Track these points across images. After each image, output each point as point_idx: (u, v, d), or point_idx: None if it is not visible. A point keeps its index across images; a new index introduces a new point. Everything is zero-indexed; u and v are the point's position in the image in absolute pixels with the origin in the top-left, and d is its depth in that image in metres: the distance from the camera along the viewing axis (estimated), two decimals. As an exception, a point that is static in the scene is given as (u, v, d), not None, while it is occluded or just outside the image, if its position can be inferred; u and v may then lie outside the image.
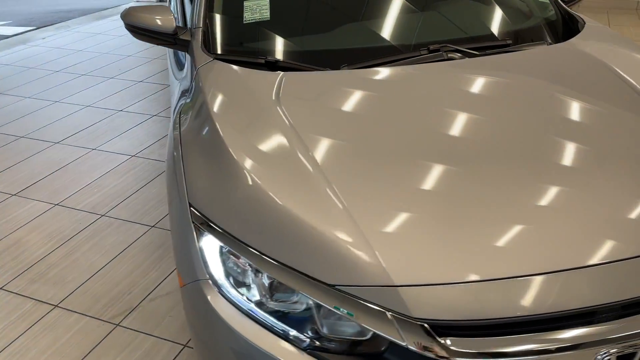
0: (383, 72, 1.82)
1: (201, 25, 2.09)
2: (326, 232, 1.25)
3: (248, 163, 1.45)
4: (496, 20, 2.23)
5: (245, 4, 2.13)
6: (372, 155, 1.47)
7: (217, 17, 2.13)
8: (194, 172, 1.53)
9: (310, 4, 2.25)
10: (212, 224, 1.37)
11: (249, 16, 2.11)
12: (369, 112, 1.66)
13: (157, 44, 2.15)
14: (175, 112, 1.94)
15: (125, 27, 2.12)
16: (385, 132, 1.55)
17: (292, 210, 1.30)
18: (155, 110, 4.16)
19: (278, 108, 1.62)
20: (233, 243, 1.32)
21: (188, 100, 1.89)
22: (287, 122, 1.57)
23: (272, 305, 1.27)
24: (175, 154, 1.67)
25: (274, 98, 1.67)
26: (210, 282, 1.33)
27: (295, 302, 1.26)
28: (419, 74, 1.82)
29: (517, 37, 2.11)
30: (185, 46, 2.10)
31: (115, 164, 3.39)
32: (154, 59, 5.31)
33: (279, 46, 2.05)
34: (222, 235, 1.34)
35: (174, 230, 1.56)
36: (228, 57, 1.95)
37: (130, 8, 2.12)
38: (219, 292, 1.31)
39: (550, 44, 2.08)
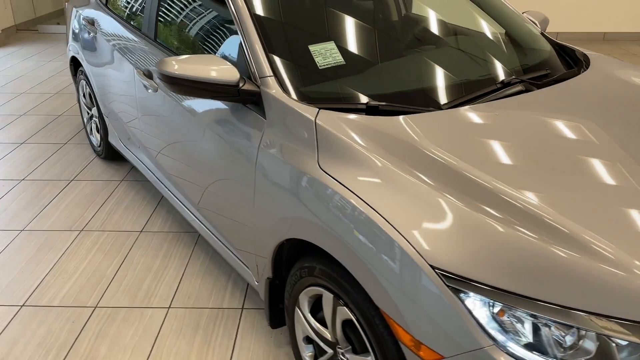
0: (495, 107, 1.85)
1: (270, 74, 1.91)
2: (605, 267, 1.26)
3: (481, 209, 1.41)
4: (531, 54, 2.37)
5: (312, 49, 2.01)
6: (566, 184, 1.50)
7: (288, 64, 1.96)
8: (429, 235, 1.38)
9: (378, 44, 2.18)
10: (475, 283, 1.28)
11: (321, 61, 1.99)
12: (522, 143, 1.67)
13: (210, 98, 1.92)
14: (284, 173, 1.75)
15: (163, 79, 1.89)
16: (550, 159, 1.60)
17: (562, 251, 1.30)
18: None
19: (439, 150, 1.58)
20: (505, 297, 1.26)
21: (304, 156, 1.70)
22: (462, 162, 1.54)
23: (569, 354, 1.23)
24: (360, 215, 1.48)
25: (427, 141, 1.61)
26: (496, 347, 1.25)
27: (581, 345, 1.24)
28: (530, 102, 1.91)
29: (551, 67, 2.24)
30: (250, 98, 1.91)
31: None
32: None
33: (369, 89, 1.93)
34: (491, 291, 1.27)
35: (393, 301, 1.41)
36: (330, 105, 1.80)
37: (169, 59, 1.89)
38: (511, 355, 1.24)
39: (580, 71, 2.22)
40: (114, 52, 2.92)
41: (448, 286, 1.29)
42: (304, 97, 1.84)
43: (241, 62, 2.01)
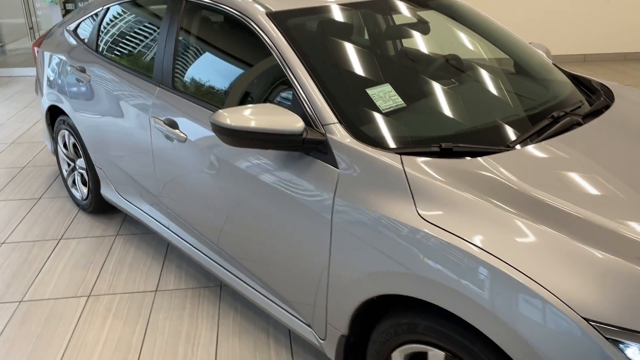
0: (563, 141, 1.87)
1: (334, 120, 1.83)
2: None
3: (612, 251, 1.38)
4: (557, 86, 2.40)
5: (370, 93, 1.95)
6: None
7: (350, 109, 1.88)
8: (570, 284, 1.33)
9: (430, 85, 2.16)
10: (634, 332, 1.25)
11: (382, 105, 1.93)
12: (614, 175, 1.69)
13: (271, 149, 1.81)
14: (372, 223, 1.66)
15: (220, 132, 1.78)
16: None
17: None
18: None
19: (544, 193, 1.57)
20: None
21: (397, 206, 1.62)
22: (578, 207, 1.53)
23: None
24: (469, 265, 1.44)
25: (524, 184, 1.60)
26: None
27: None
28: (593, 133, 1.94)
29: (580, 98, 2.30)
30: (315, 146, 1.82)
31: None
32: None
33: (434, 131, 1.89)
34: None
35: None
36: (406, 150, 1.74)
37: (225, 111, 1.79)
38: None
39: (611, 99, 2.31)
40: (117, 100, 2.73)
41: (607, 338, 1.25)
42: (375, 143, 1.78)
43: (296, 109, 1.92)
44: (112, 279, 2.86)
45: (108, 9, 3.01)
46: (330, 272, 1.82)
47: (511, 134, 1.92)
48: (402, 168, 1.65)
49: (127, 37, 2.86)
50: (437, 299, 1.51)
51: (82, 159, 3.32)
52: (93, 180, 3.25)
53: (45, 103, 3.47)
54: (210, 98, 2.30)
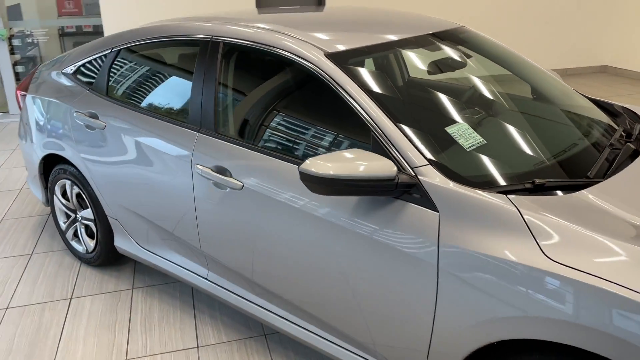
0: (635, 168, 1.94)
1: (425, 162, 1.79)
2: None
3: None
4: (593, 113, 2.48)
5: (450, 131, 1.93)
6: None
7: (436, 149, 1.86)
8: None
9: (504, 119, 2.18)
10: None
11: (464, 143, 1.91)
12: None
13: (362, 195, 1.76)
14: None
15: (311, 180, 1.72)
16: None
17: None
18: None
19: None
20: None
21: (518, 249, 1.60)
22: None
23: None
24: None
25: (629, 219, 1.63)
26: None
27: None
28: None
29: (616, 124, 2.41)
30: (406, 190, 1.79)
31: None
32: None
33: (522, 167, 1.88)
34: None
35: None
36: (506, 189, 1.74)
37: (316, 159, 1.74)
38: None
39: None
40: (142, 148, 2.56)
41: None
42: (470, 183, 1.76)
43: (376, 152, 1.88)
44: (145, 338, 2.66)
45: (118, 51, 2.85)
46: (437, 319, 1.77)
47: (589, 164, 1.96)
48: (515, 209, 1.64)
49: (148, 80, 2.71)
50: (578, 341, 1.50)
51: (88, 210, 3.09)
52: (104, 232, 3.03)
53: (39, 151, 3.22)
54: (271, 144, 2.20)
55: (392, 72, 2.19)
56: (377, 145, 1.89)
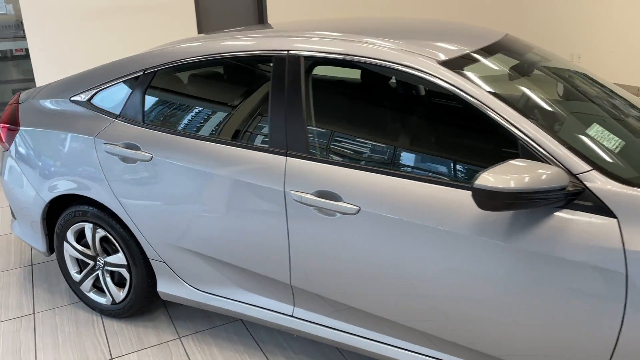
0: None
1: (589, 167, 1.72)
2: None
3: None
4: None
5: (591, 133, 1.90)
6: None
7: (594, 153, 1.81)
8: None
9: (616, 120, 2.14)
10: None
11: (609, 144, 1.86)
12: None
13: (531, 208, 1.67)
14: None
15: (482, 195, 1.64)
16: None
17: None
18: None
19: None
20: None
21: None
22: None
23: None
24: None
25: None
26: None
27: None
28: None
29: None
30: (572, 198, 1.72)
31: None
32: None
33: None
34: None
35: None
36: None
37: (488, 173, 1.65)
38: None
39: None
40: (207, 177, 2.28)
41: None
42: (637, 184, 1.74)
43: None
44: (225, 391, 2.35)
45: (154, 72, 2.52)
46: (622, 334, 1.70)
47: None
48: None
49: (202, 104, 2.43)
50: None
51: (118, 255, 2.71)
52: (141, 278, 2.66)
53: (44, 194, 2.77)
54: (393, 162, 2.04)
55: (510, 76, 2.13)
56: (528, 154, 1.81)
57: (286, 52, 2.24)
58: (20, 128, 2.87)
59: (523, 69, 2.26)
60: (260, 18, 7.54)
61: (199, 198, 2.34)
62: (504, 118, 1.84)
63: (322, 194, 2.07)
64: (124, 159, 2.50)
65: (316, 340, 2.33)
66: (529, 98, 2.01)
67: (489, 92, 1.90)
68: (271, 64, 2.27)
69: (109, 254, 2.79)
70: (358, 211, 2.01)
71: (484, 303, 1.89)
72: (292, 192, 2.12)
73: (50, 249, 3.02)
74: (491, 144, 1.94)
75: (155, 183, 2.44)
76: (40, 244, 2.99)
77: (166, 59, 2.51)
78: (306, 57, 2.20)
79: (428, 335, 2.06)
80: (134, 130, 2.52)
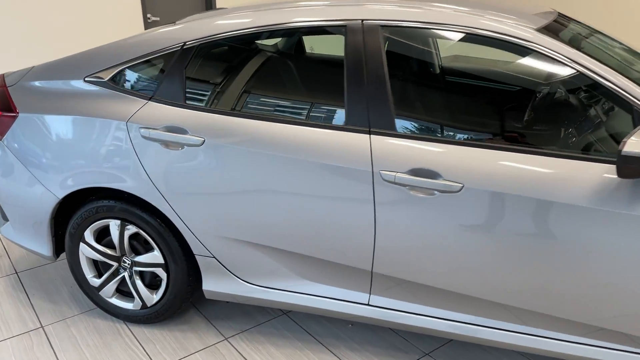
0: None
1: None
2: None
3: None
4: None
5: None
6: None
7: None
8: None
9: None
10: None
11: None
12: None
13: None
14: None
15: (631, 162, 1.62)
16: None
17: None
18: None
19: None
20: None
21: None
22: None
23: None
24: None
25: None
26: None
27: None
28: None
29: None
30: None
31: None
32: None
33: None
34: None
35: None
36: None
37: (633, 138, 1.62)
38: None
39: None
40: (273, 160, 2.07)
41: None
42: None
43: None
44: (301, 391, 2.17)
45: (197, 47, 2.24)
46: None
47: None
48: None
49: (259, 80, 2.19)
50: None
51: (152, 253, 2.41)
52: (181, 276, 2.39)
53: (56, 189, 2.40)
54: (500, 135, 1.94)
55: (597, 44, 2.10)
56: None
57: (360, 22, 2.08)
58: (19, 114, 2.48)
59: (597, 40, 2.26)
60: (208, 4, 7.16)
61: (263, 184, 2.13)
62: (617, 87, 1.81)
63: (417, 172, 1.95)
64: (167, 145, 2.22)
65: (392, 327, 2.21)
66: (626, 66, 2.01)
67: (597, 60, 1.86)
68: (343, 35, 2.10)
69: (137, 253, 2.49)
70: (461, 188, 1.91)
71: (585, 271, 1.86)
72: (383, 172, 1.98)
73: (57, 252, 2.65)
74: (599, 113, 1.91)
75: (208, 170, 2.18)
76: (45, 248, 2.61)
77: (210, 31, 2.24)
78: (384, 27, 2.05)
79: (534, 314, 2.01)
80: (177, 112, 2.24)
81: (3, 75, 2.69)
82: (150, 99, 2.30)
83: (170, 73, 2.28)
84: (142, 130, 2.25)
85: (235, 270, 2.33)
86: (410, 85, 2.06)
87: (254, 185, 2.14)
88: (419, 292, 2.12)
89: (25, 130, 2.46)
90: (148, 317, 2.54)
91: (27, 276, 3.02)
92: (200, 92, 2.26)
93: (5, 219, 2.71)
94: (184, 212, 2.27)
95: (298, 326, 2.56)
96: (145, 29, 6.53)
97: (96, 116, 2.32)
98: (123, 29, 6.39)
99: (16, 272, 3.06)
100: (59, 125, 2.38)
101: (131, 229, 2.42)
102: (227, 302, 2.69)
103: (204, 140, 2.17)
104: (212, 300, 2.76)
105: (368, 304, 2.21)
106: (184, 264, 2.39)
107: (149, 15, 6.61)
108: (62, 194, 2.43)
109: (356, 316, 2.24)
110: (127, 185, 2.31)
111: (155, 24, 6.70)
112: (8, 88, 2.57)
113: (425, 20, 2.01)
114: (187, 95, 2.27)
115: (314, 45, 2.72)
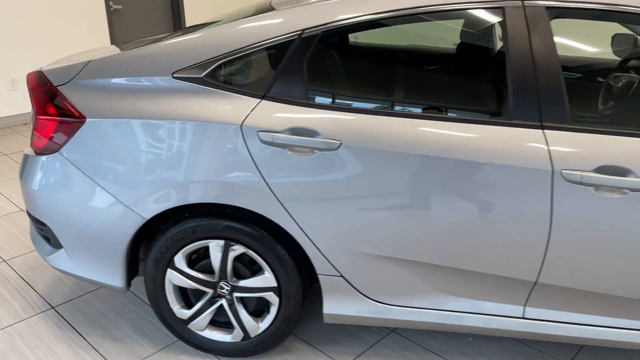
0: None
1: None
2: None
3: None
4: None
5: None
6: None
7: None
8: None
9: None
10: None
11: None
12: None
13: None
14: None
15: None
16: None
17: None
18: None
19: None
20: None
21: None
22: None
23: None
24: None
25: None
26: None
27: None
28: None
29: None
30: None
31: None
32: None
33: None
34: None
35: None
36: None
37: None
38: None
39: None
40: (430, 164, 1.81)
41: None
42: None
43: None
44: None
45: (317, 35, 1.91)
46: None
47: None
48: None
49: (403, 71, 1.91)
50: None
51: (262, 276, 2.06)
52: (297, 301, 2.07)
53: (140, 208, 1.99)
54: None
55: None
56: None
57: (521, 3, 1.85)
58: (87, 120, 2.03)
59: None
60: (176, 24, 6.64)
61: (412, 190, 1.86)
62: None
63: (605, 170, 1.77)
64: (293, 150, 1.89)
65: (546, 339, 2.03)
66: None
67: None
68: (498, 19, 1.86)
69: (239, 277, 2.14)
70: (654, 185, 1.75)
71: None
72: (566, 171, 1.77)
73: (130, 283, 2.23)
74: None
75: (345, 177, 1.88)
76: (117, 278, 2.18)
77: (334, 15, 1.93)
78: (550, 8, 1.84)
79: None
80: (303, 112, 1.91)
81: (42, 72, 2.21)
82: (263, 97, 1.95)
83: (287, 66, 1.94)
84: (262, 134, 1.90)
85: (366, 289, 2.05)
86: (582, 74, 1.87)
87: (402, 192, 1.87)
88: (583, 300, 1.95)
89: (97, 138, 2.03)
90: (250, 349, 2.20)
91: (68, 311, 2.55)
92: (327, 87, 1.96)
93: (57, 246, 2.25)
94: (310, 226, 1.96)
95: (414, 343, 2.32)
96: (108, 17, 5.92)
97: (198, 119, 1.94)
98: (84, 15, 5.75)
99: (53, 307, 2.58)
100: (148, 130, 1.97)
101: (237, 250, 2.06)
102: (326, 323, 2.39)
103: (341, 143, 1.87)
104: (305, 323, 2.45)
105: (523, 317, 2.02)
106: (300, 285, 2.08)
107: (111, 3, 6.00)
108: (150, 213, 2.02)
109: (509, 331, 2.03)
110: (242, 199, 1.95)
111: (117, 13, 6.09)
112: (59, 88, 2.11)
113: (599, 1, 1.82)
114: (310, 91, 1.94)
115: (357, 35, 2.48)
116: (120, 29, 6.19)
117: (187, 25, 6.69)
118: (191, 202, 1.98)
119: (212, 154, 1.94)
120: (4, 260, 2.99)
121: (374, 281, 2.03)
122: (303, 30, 1.95)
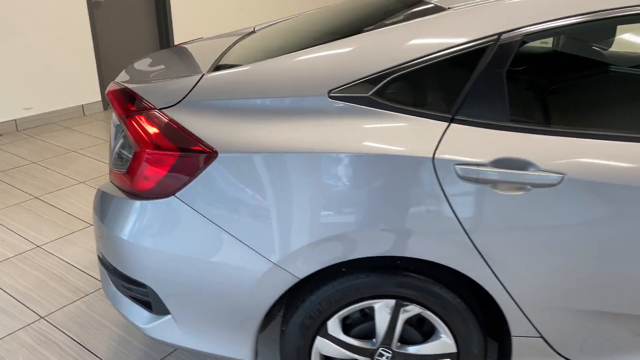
0: None
1: None
2: None
3: None
4: None
5: None
6: None
7: None
8: None
9: None
10: None
11: None
12: None
13: None
14: None
15: None
16: None
17: None
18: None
19: None
20: None
21: None
22: None
23: None
24: None
25: None
26: None
27: None
28: None
29: None
30: None
31: None
32: None
33: None
34: None
35: None
36: None
37: None
38: None
39: None
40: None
41: None
42: None
43: None
44: None
45: (524, 39, 1.51)
46: None
47: None
48: None
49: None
50: None
51: (439, 340, 1.66)
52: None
53: (292, 266, 1.54)
54: None
55: None
56: None
57: None
58: (219, 155, 1.55)
59: None
60: (160, 17, 6.02)
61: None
62: None
63: None
64: (499, 187, 1.50)
65: None
66: None
67: None
68: None
69: (405, 342, 1.73)
70: None
71: None
72: None
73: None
74: None
75: (566, 218, 1.50)
76: (245, 351, 1.71)
77: (549, 13, 1.52)
78: None
79: None
80: (507, 138, 1.51)
81: (133, 90, 1.70)
82: (452, 120, 1.54)
83: (481, 80, 1.54)
84: (461, 167, 1.49)
85: (568, 351, 1.69)
86: None
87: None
88: None
89: (233, 177, 1.55)
90: None
91: (151, 382, 2.05)
92: (536, 105, 1.56)
93: (161, 312, 1.76)
94: (514, 282, 1.57)
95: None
96: (89, 11, 5.24)
97: (371, 151, 1.51)
98: (64, 8, 5.06)
99: (130, 379, 2.07)
100: (305, 166, 1.52)
101: (412, 310, 1.65)
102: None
103: (564, 177, 1.49)
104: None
105: None
106: (483, 349, 1.70)
107: (93, -3, 5.32)
108: (306, 270, 1.57)
109: None
110: (428, 251, 1.54)
111: (99, 6, 5.42)
112: (166, 112, 1.61)
113: None
114: (512, 109, 1.55)
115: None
116: (102, 23, 5.52)
117: (173, 19, 6.08)
118: (367, 256, 1.55)
119: (393, 194, 1.51)
120: (41, 318, 2.43)
121: (580, 341, 1.67)
122: (500, 33, 1.55)
